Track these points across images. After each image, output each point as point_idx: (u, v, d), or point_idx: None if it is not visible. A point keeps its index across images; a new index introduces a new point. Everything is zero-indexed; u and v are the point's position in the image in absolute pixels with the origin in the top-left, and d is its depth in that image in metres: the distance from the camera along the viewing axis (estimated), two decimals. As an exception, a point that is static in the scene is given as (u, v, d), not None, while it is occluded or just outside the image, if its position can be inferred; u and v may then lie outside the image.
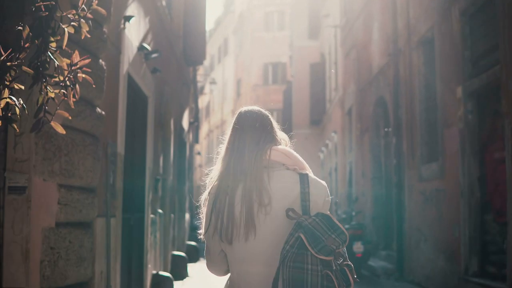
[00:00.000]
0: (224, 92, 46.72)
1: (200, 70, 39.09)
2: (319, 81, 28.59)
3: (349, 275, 2.20)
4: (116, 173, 6.32)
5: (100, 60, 5.30)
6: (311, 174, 2.40)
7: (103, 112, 5.44)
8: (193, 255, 15.61)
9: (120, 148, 6.58)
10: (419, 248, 10.74)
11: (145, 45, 8.02)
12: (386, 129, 14.19)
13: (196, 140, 23.47)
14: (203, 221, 2.44)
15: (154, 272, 9.34)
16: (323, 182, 2.42)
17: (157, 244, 9.83)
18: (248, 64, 39.80)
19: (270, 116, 2.52)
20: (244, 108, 2.54)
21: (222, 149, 2.48)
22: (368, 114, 15.73)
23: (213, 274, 2.57)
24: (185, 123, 15.99)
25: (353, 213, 13.64)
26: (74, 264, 4.77)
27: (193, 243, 16.14)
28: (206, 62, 51.35)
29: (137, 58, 7.78)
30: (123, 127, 6.78)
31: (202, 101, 49.79)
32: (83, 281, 5.04)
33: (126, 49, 6.97)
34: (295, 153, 2.43)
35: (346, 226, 12.76)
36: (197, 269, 13.62)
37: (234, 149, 2.42)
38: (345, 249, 2.27)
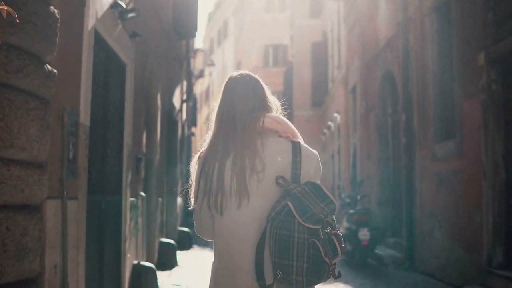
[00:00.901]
0: (223, 75, 45.30)
1: (199, 54, 39.82)
2: (321, 60, 27.84)
3: (337, 244, 2.21)
4: (77, 147, 5.29)
5: (52, 7, 4.25)
6: (303, 143, 2.39)
7: (55, 71, 4.42)
8: (185, 242, 14.64)
9: (84, 118, 5.53)
10: (432, 236, 9.73)
11: (120, 1, 6.97)
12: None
13: (193, 122, 22.48)
14: (193, 187, 2.44)
15: (135, 262, 8.36)
16: (315, 152, 2.41)
17: (139, 230, 8.82)
18: (248, 47, 39.36)
19: (260, 80, 2.49)
20: (234, 73, 2.52)
21: (213, 114, 2.46)
22: (374, 91, 14.69)
23: (204, 238, 2.56)
24: (177, 101, 14.96)
25: (358, 197, 12.60)
26: (13, 257, 3.80)
27: (185, 229, 15.13)
28: (206, 46, 52.42)
29: (109, 15, 6.72)
30: (88, 93, 5.73)
31: (202, 85, 51.00)
32: (29, 278, 4.05)
33: (93, 2, 5.91)
34: (287, 120, 2.42)
35: (351, 211, 11.75)
36: (189, 258, 12.67)
37: (224, 115, 2.41)
38: (334, 218, 2.29)
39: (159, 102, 11.04)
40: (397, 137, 13.03)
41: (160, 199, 11.49)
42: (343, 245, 2.24)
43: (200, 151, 2.45)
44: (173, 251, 11.29)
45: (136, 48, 8.33)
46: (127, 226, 7.82)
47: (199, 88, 54.43)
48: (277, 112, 2.50)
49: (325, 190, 2.27)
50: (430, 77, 10.02)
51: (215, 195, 2.33)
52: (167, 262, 11.04)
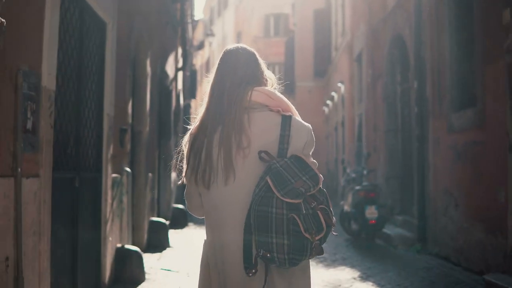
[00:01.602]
0: (224, 46, 44.25)
1: (200, 26, 39.55)
2: (324, 29, 27.01)
3: (322, 219, 2.18)
4: (38, 115, 4.46)
5: None
6: (296, 116, 2.39)
7: (3, 20, 3.62)
8: (180, 220, 13.90)
9: (48, 80, 4.68)
10: (447, 215, 8.94)
11: None
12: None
13: (192, 94, 21.61)
14: (184, 162, 2.46)
15: (119, 245, 7.59)
16: (308, 125, 2.41)
17: (124, 210, 8.04)
18: (248, 16, 38.46)
19: (256, 54, 2.50)
20: (229, 47, 2.53)
21: (207, 89, 2.47)
22: (382, 57, 13.80)
23: (195, 216, 2.58)
24: (171, 69, 14.11)
25: (365, 172, 11.79)
26: None
27: (180, 206, 14.36)
28: (206, 16, 51.05)
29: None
30: (54, 52, 4.87)
31: (203, 57, 50.65)
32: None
33: None
34: (279, 94, 2.42)
35: (357, 188, 10.96)
36: (183, 237, 11.94)
37: (215, 89, 2.43)
38: (324, 191, 2.28)
39: (148, 69, 10.19)
40: (407, 107, 12.18)
41: (150, 174, 10.70)
42: (333, 220, 2.23)
43: (192, 127, 2.45)
44: (164, 231, 10.53)
45: (120, 6, 7.46)
46: (108, 206, 7.03)
47: (199, 60, 54.70)
48: (272, 86, 2.48)
49: (308, 162, 2.29)
50: (447, 39, 9.14)
51: (203, 170, 2.34)
52: (158, 243, 10.29)
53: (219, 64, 2.49)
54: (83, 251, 6.00)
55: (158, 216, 11.64)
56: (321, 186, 2.29)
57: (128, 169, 8.13)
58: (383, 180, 13.21)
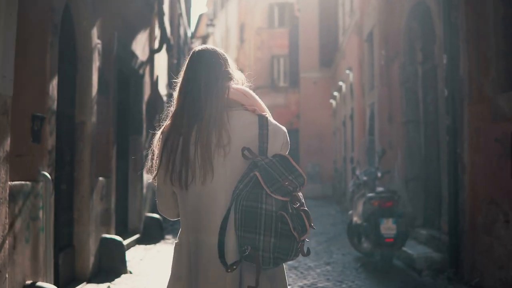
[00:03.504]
0: (227, 39, 45.25)
1: (203, 20, 39.22)
2: (330, 14, 25.61)
3: (306, 220, 2.21)
4: None
5: None
6: (270, 118, 2.43)
7: None
8: (154, 233, 11.82)
9: None
10: (493, 234, 6.72)
11: None
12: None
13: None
14: (154, 162, 2.45)
15: (28, 283, 5.43)
16: (283, 127, 2.44)
17: (42, 230, 5.88)
18: (252, 6, 37.64)
19: (226, 55, 2.54)
20: (198, 47, 2.55)
21: (176, 90, 2.49)
22: (398, 32, 11.62)
23: (167, 218, 2.58)
24: (141, 50, 11.93)
25: (379, 174, 9.56)
26: None
27: (155, 215, 12.15)
28: (209, 10, 50.45)
29: None
30: None
31: None
32: None
33: None
34: (254, 93, 2.48)
35: (370, 195, 8.74)
36: (153, 256, 9.89)
37: (188, 88, 2.42)
38: (302, 194, 2.30)
39: (95, 41, 8.04)
40: (433, 91, 9.95)
41: (101, 178, 8.54)
42: (312, 224, 2.24)
43: (163, 126, 2.46)
44: (119, 252, 8.39)
45: None
46: (6, 228, 4.86)
47: None
48: (242, 85, 2.51)
49: (293, 162, 2.29)
50: (489, -2, 6.94)
51: (179, 169, 2.33)
52: (111, 268, 8.19)
53: (189, 63, 2.49)
54: None
55: (122, 230, 9.50)
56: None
57: (46, 174, 5.94)
58: (402, 183, 11.04)
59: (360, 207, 9.16)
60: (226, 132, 2.30)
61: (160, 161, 2.38)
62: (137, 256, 9.73)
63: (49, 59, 6.14)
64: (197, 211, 2.32)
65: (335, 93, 23.78)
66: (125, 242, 9.36)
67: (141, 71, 12.01)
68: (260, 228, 2.12)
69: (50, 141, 6.19)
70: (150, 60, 13.13)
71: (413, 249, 9.01)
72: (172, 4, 18.93)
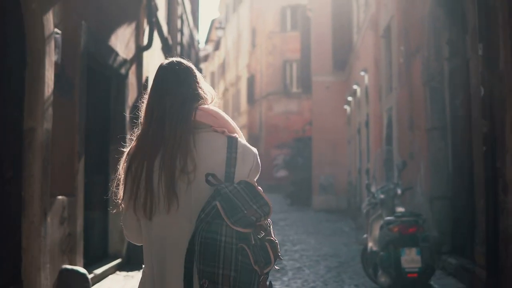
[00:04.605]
0: (239, 44, 46.70)
1: (216, 24, 39.48)
2: (343, 13, 25.19)
3: (270, 251, 2.17)
4: None
5: None
6: (241, 139, 2.40)
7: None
8: (139, 257, 10.25)
9: None
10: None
11: None
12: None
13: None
14: (120, 186, 2.40)
15: None
16: (254, 149, 2.41)
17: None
18: (264, 10, 39.00)
19: (194, 69, 2.49)
20: (164, 62, 2.50)
21: (142, 110, 2.45)
22: (420, 23, 10.40)
23: (134, 243, 2.53)
24: (122, 46, 10.65)
25: (399, 191, 8.15)
26: None
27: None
28: (221, 14, 51.50)
29: None
30: None
31: (219, 58, 55.02)
32: None
33: None
34: (224, 114, 2.44)
35: (388, 218, 7.33)
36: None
37: (155, 110, 2.38)
38: (270, 222, 2.26)
39: (49, 29, 6.74)
40: (463, 91, 8.63)
41: (61, 197, 7.23)
42: (279, 253, 2.19)
43: (130, 147, 2.41)
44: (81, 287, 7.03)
45: None
46: None
47: (216, 61, 58.08)
48: (212, 101, 2.49)
49: (259, 190, 2.24)
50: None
51: (144, 197, 2.30)
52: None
53: (155, 81, 2.43)
54: None
55: (100, 256, 8.25)
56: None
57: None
58: (425, 202, 9.75)
59: (376, 231, 7.80)
60: (192, 158, 2.27)
61: (125, 185, 2.34)
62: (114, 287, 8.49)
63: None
64: (161, 241, 2.29)
65: (349, 98, 22.95)
66: (101, 270, 8.56)
67: (123, 71, 10.73)
68: (220, 261, 2.07)
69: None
70: (137, 59, 11.90)
71: (441, 282, 7.64)
72: (170, 0, 18.00)
